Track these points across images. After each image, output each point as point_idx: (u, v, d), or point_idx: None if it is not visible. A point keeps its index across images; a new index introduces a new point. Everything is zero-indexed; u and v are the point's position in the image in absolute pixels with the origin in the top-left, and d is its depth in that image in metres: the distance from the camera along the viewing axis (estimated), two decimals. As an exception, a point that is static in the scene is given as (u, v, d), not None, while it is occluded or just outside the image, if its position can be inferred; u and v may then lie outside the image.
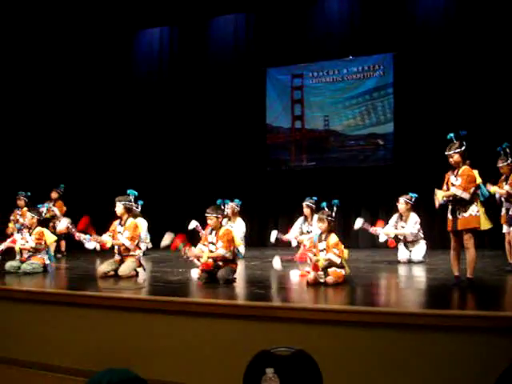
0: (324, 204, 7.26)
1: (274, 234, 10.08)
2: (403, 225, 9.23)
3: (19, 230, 10.06)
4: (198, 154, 14.05)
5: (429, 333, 4.42)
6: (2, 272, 7.99)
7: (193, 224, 7.80)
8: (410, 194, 9.27)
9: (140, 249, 8.05)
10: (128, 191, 8.14)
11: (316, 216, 7.89)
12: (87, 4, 12.98)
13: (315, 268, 6.52)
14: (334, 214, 6.88)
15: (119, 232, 7.81)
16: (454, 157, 6.19)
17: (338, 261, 6.50)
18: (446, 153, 6.25)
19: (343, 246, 6.75)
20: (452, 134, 6.32)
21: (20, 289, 6.64)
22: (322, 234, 6.74)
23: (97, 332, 5.63)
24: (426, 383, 4.37)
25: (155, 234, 11.29)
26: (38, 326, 6.00)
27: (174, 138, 14.27)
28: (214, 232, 7.07)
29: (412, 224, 9.15)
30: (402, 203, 9.22)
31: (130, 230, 7.76)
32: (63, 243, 11.37)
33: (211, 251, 6.96)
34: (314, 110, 13.30)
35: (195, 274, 7.40)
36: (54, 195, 11.39)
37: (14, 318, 6.19)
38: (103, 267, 7.61)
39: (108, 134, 14.02)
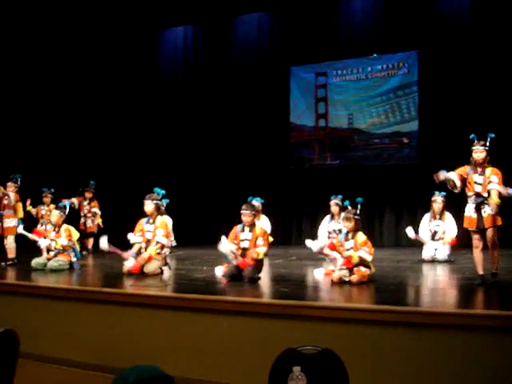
0: (347, 202, 7.23)
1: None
2: (438, 223, 9.15)
3: (42, 224, 10.25)
4: (221, 152, 14.09)
5: (454, 332, 4.40)
6: (28, 269, 8.10)
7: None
8: (440, 193, 9.16)
9: (167, 247, 8.09)
10: (154, 190, 8.17)
11: (343, 214, 7.89)
12: (111, 3, 13.07)
13: (348, 263, 6.51)
14: (358, 212, 6.86)
15: (148, 231, 7.87)
16: (483, 153, 6.16)
17: (369, 258, 6.50)
18: (474, 147, 6.21)
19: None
20: (474, 135, 6.29)
21: (46, 286, 6.72)
22: (348, 232, 6.73)
23: (123, 329, 5.69)
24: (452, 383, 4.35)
25: (179, 232, 11.37)
26: (64, 322, 6.06)
27: (198, 136, 14.32)
28: (247, 229, 7.08)
29: (453, 224, 9.07)
30: (439, 202, 9.13)
31: (163, 227, 7.84)
32: (90, 240, 11.49)
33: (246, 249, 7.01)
34: (338, 108, 13.27)
35: (219, 271, 7.43)
36: (88, 195, 11.56)
37: (39, 314, 6.26)
38: (129, 265, 7.65)
39: (132, 133, 14.11)
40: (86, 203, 11.50)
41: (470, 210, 6.25)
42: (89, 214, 11.50)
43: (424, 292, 6.47)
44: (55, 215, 8.52)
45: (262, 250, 6.94)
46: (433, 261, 8.92)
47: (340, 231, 9.22)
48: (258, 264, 6.99)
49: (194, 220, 13.70)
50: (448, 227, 9.15)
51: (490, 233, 6.10)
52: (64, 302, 6.19)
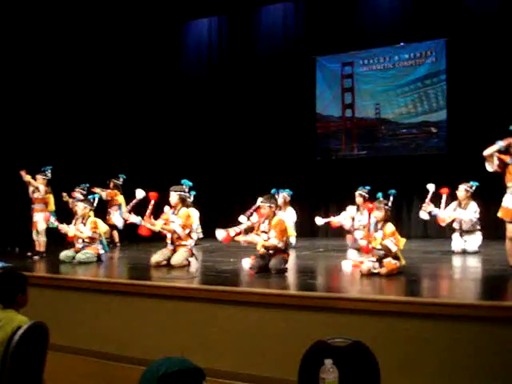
0: (380, 194, 7.16)
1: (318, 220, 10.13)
2: (462, 212, 9.03)
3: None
4: (248, 144, 14.07)
5: (485, 325, 4.33)
6: (57, 262, 8.17)
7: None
8: (472, 183, 9.07)
9: (192, 239, 8.10)
10: (182, 181, 8.17)
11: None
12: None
13: (367, 250, 6.45)
14: (390, 204, 6.79)
15: (172, 221, 7.88)
16: None
17: (393, 249, 6.39)
18: None
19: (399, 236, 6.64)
20: None
21: (73, 278, 6.79)
22: (377, 223, 6.64)
23: (150, 321, 5.71)
24: (484, 375, 4.28)
25: (206, 224, 11.38)
26: (91, 314, 6.11)
27: (224, 128, 14.32)
28: (266, 221, 7.03)
29: (472, 211, 8.95)
30: (461, 191, 9.01)
31: (182, 218, 7.84)
32: (115, 233, 11.54)
33: (265, 240, 6.94)
34: (364, 99, 13.15)
35: (247, 263, 7.42)
36: (111, 184, 11.57)
37: (67, 306, 6.32)
38: (156, 257, 7.68)
39: (158, 126, 14.14)
40: (104, 191, 11.53)
41: (508, 201, 6.14)
42: (109, 206, 11.54)
43: (454, 283, 6.40)
44: (80, 208, 8.58)
45: (272, 242, 6.86)
46: (463, 252, 8.79)
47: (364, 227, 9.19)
48: (284, 255, 6.95)
49: (221, 212, 13.72)
50: (465, 213, 8.99)
51: None
52: (91, 294, 6.24)
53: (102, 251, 8.47)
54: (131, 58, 13.58)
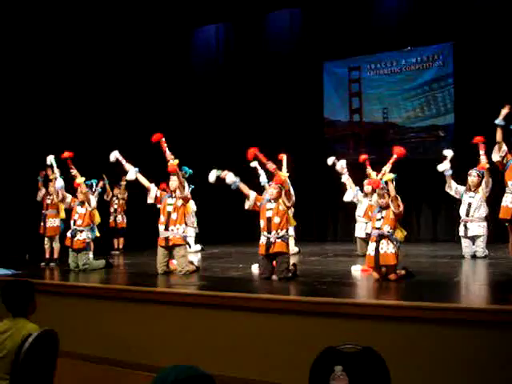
0: (383, 181, 7.14)
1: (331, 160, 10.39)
2: (472, 195, 8.90)
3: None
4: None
5: (498, 330, 4.29)
6: (65, 269, 8.18)
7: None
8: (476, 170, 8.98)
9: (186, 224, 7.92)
10: (183, 168, 8.01)
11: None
12: (145, 4, 13.18)
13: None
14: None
15: (169, 204, 7.63)
16: None
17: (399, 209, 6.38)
18: None
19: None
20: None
21: (83, 285, 6.80)
22: (382, 209, 6.49)
23: (158, 327, 5.70)
24: (495, 381, 4.25)
25: (215, 230, 11.38)
26: (101, 321, 6.12)
27: (231, 132, 14.31)
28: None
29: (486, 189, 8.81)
30: (474, 175, 8.89)
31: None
32: (122, 240, 11.54)
33: None
34: (372, 103, 13.16)
35: (256, 269, 7.40)
36: (117, 190, 11.53)
37: (76, 313, 6.33)
38: (160, 267, 7.52)
39: (166, 128, 14.11)
40: (115, 199, 11.53)
41: (507, 200, 6.11)
42: (119, 209, 11.55)
43: (465, 288, 6.36)
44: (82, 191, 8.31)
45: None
46: (472, 257, 8.69)
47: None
48: (287, 252, 6.89)
49: (230, 217, 13.71)
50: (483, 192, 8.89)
51: None
52: (99, 300, 6.24)
53: (90, 236, 8.24)
54: (142, 62, 13.65)
